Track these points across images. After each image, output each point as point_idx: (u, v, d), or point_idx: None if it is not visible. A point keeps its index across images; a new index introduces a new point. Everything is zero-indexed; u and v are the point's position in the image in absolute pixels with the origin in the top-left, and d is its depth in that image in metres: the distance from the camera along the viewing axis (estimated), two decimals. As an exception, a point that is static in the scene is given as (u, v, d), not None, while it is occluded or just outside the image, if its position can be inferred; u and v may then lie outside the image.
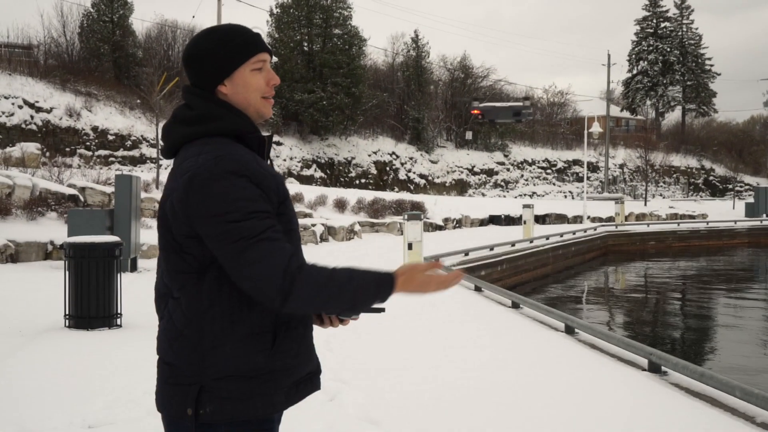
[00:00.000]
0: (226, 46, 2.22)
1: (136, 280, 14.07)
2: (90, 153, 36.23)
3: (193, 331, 2.12)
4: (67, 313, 9.17)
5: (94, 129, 37.21)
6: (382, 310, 2.25)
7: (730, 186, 68.09)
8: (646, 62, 77.18)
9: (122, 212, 15.16)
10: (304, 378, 2.26)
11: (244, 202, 2.03)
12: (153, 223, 20.34)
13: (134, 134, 38.80)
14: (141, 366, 7.25)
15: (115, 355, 7.77)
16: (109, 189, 19.64)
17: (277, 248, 2.02)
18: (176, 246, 2.14)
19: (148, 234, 18.54)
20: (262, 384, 2.13)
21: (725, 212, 50.38)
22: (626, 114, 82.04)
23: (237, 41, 2.24)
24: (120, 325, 9.34)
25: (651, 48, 77.00)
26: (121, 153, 37.68)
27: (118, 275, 9.42)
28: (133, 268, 15.43)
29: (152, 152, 37.62)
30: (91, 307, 9.11)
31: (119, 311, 9.38)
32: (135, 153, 38.25)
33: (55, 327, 9.18)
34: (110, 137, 37.68)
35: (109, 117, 38.73)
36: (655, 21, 77.78)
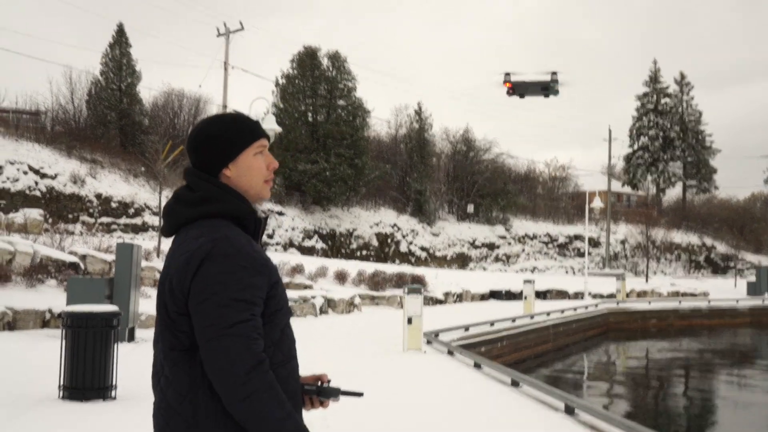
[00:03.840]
0: (232, 131, 2.38)
1: (134, 351, 13.97)
2: (93, 220, 36.34)
3: (186, 408, 2.18)
4: (61, 383, 9.07)
5: (98, 196, 37.41)
6: (360, 394, 2.46)
7: (732, 264, 67.98)
8: (646, 138, 77.87)
9: (122, 281, 15.14)
10: None
11: (231, 287, 2.11)
12: (153, 292, 20.29)
13: (137, 202, 38.98)
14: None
15: (109, 428, 7.66)
16: (110, 257, 19.65)
17: (240, 351, 2.08)
18: (170, 323, 2.21)
19: (147, 303, 18.48)
20: None
21: (727, 290, 50.20)
22: (627, 189, 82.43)
23: (242, 127, 2.40)
24: (114, 398, 9.23)
25: (651, 124, 77.79)
26: (123, 221, 37.78)
27: (115, 345, 9.35)
28: (131, 338, 15.33)
29: (155, 220, 37.74)
30: (86, 377, 9.02)
31: (114, 383, 9.28)
32: (137, 221, 38.36)
33: (50, 398, 9.07)
34: (113, 204, 37.84)
35: (113, 184, 38.99)
36: (655, 97, 78.71)
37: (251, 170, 2.38)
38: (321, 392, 2.48)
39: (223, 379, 2.08)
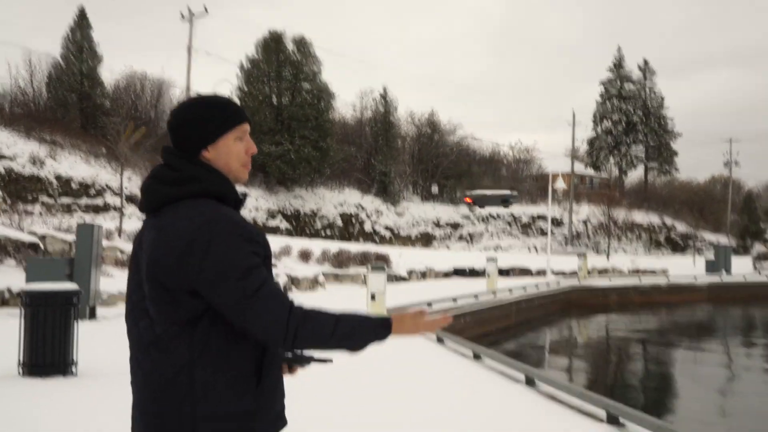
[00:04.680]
0: (214, 114, 2.39)
1: (95, 328, 13.88)
2: (53, 201, 35.90)
3: (183, 380, 2.21)
4: (21, 361, 9.01)
5: (58, 177, 36.93)
6: (330, 361, 2.57)
7: (691, 243, 69.02)
8: (610, 122, 78.61)
9: (83, 260, 15.01)
10: (278, 414, 2.39)
11: (241, 260, 2.18)
12: (115, 271, 20.15)
13: (98, 183, 38.55)
14: (95, 415, 7.15)
15: (69, 405, 7.63)
16: (71, 237, 19.44)
17: (276, 303, 2.20)
18: (170, 298, 2.22)
19: (108, 282, 18.35)
20: (248, 423, 2.25)
21: (686, 268, 50.96)
22: (590, 171, 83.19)
23: (226, 111, 2.42)
24: (75, 374, 9.18)
25: (615, 108, 78.56)
26: (84, 201, 37.37)
27: (76, 323, 9.29)
28: (92, 316, 15.23)
29: (116, 201, 37.38)
30: (47, 354, 8.96)
31: (75, 360, 9.23)
32: (99, 201, 37.96)
33: (9, 375, 9.00)
34: (74, 186, 37.39)
35: (73, 165, 38.50)
36: (619, 83, 79.49)
37: (230, 154, 2.40)
38: (296, 360, 2.57)
39: (273, 339, 2.20)
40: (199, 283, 2.18)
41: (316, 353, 2.66)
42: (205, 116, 2.38)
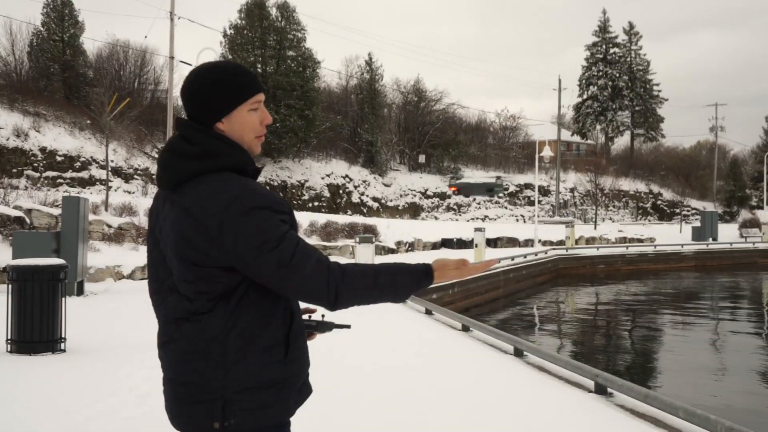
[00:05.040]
0: (228, 85, 2.35)
1: (83, 304, 13.85)
2: (38, 174, 35.62)
3: (216, 349, 2.24)
4: (9, 337, 8.97)
5: (42, 150, 36.62)
6: (348, 326, 2.72)
7: (678, 210, 69.37)
8: (595, 87, 78.57)
9: (69, 235, 14.92)
10: (304, 382, 2.44)
11: (272, 231, 2.19)
12: (101, 246, 20.06)
13: (84, 155, 38.26)
14: (84, 391, 7.13)
15: (58, 381, 7.61)
16: (57, 211, 19.32)
17: (314, 264, 2.22)
18: (204, 275, 2.24)
19: (95, 257, 18.29)
20: (279, 392, 2.29)
21: (673, 236, 51.30)
22: (577, 138, 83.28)
23: (239, 81, 2.37)
24: (64, 350, 9.16)
25: (600, 73, 78.45)
26: (69, 174, 37.10)
27: (63, 299, 9.25)
28: (80, 291, 15.18)
29: (102, 174, 37.14)
30: (34, 331, 8.93)
31: (64, 336, 9.20)
32: (84, 174, 37.69)
33: (-3, 352, 8.98)
34: (59, 158, 37.10)
35: (57, 138, 38.15)
36: (604, 47, 79.30)
37: (244, 125, 2.37)
38: (318, 327, 2.65)
39: (318, 300, 2.24)
40: (235, 260, 2.19)
41: (337, 319, 2.79)
42: (218, 88, 2.34)
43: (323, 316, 2.70)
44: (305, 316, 2.65)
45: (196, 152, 2.29)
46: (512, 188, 64.74)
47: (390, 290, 2.32)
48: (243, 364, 2.24)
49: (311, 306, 2.64)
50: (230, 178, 2.26)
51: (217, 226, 2.18)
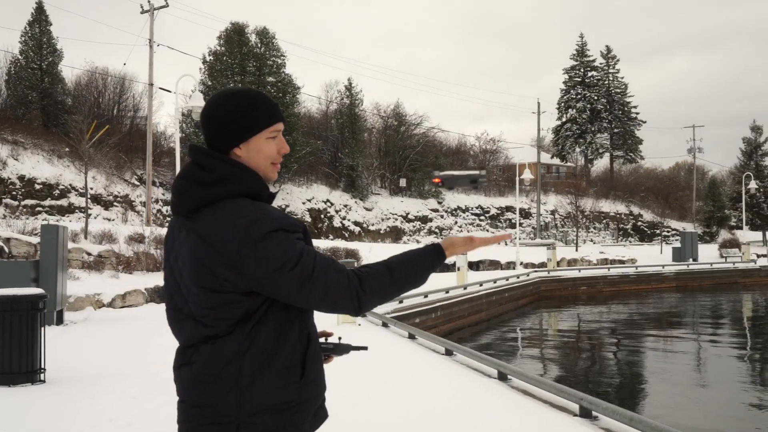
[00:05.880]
0: (248, 112, 2.36)
1: (63, 334, 13.71)
2: (16, 203, 35.35)
3: (231, 371, 2.23)
4: (-13, 369, 8.84)
5: (21, 178, 36.38)
6: (365, 348, 2.79)
7: (658, 231, 69.79)
8: (574, 110, 79.14)
9: (48, 263, 14.78)
10: (321, 406, 2.45)
11: (290, 250, 2.21)
12: (81, 274, 19.88)
13: (62, 183, 38.03)
14: (64, 422, 7.02)
15: (38, 413, 7.50)
16: (36, 240, 19.16)
17: (333, 276, 2.24)
18: (224, 300, 2.24)
19: (75, 285, 18.12)
20: (293, 415, 2.29)
21: (653, 257, 51.57)
22: (557, 161, 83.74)
23: (261, 109, 2.39)
24: (44, 381, 9.04)
25: (579, 96, 79.07)
26: (48, 202, 36.84)
27: (43, 329, 9.14)
28: (59, 321, 15.02)
29: (81, 201, 36.90)
30: (13, 362, 8.81)
31: (43, 366, 9.08)
32: (63, 202, 37.45)
33: (-25, 384, 8.84)
34: (37, 186, 36.86)
35: (36, 166, 37.92)
36: (582, 70, 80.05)
37: (261, 153, 2.38)
38: (336, 350, 2.67)
39: (344, 309, 2.28)
40: (258, 284, 2.21)
41: (354, 342, 2.80)
42: (239, 114, 2.35)
43: (340, 338, 2.73)
44: (321, 339, 2.66)
45: (211, 179, 2.30)
46: (493, 211, 64.93)
47: (410, 281, 2.38)
48: (258, 386, 2.23)
49: (327, 330, 2.70)
50: (245, 204, 2.27)
51: (236, 252, 2.19)
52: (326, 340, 2.68)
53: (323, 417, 2.46)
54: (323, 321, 15.14)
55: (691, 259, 48.95)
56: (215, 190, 2.28)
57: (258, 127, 2.37)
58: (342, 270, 2.27)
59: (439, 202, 62.46)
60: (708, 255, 52.86)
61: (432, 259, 2.43)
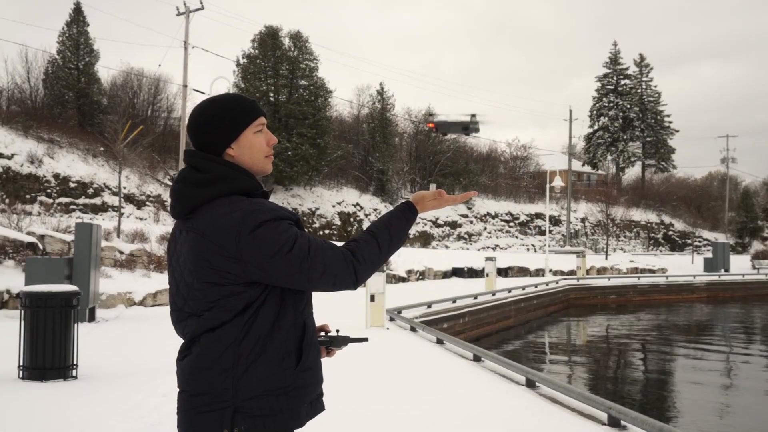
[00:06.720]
0: (230, 112, 2.49)
1: (94, 330, 13.87)
2: (51, 200, 35.81)
3: (228, 357, 2.31)
4: (21, 364, 8.98)
5: (56, 176, 36.85)
6: (366, 339, 2.79)
7: (689, 241, 69.04)
8: (606, 118, 78.59)
9: (82, 261, 14.97)
10: (317, 397, 2.52)
11: (285, 234, 2.32)
12: (113, 272, 20.11)
13: (96, 182, 38.46)
14: (95, 418, 7.11)
15: (69, 409, 7.60)
16: (69, 237, 19.40)
17: (329, 253, 2.37)
18: (226, 293, 2.33)
19: (107, 283, 18.32)
20: (289, 400, 2.36)
21: (684, 267, 51.01)
22: (588, 169, 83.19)
23: (241, 107, 2.51)
24: (75, 377, 9.15)
25: (611, 104, 78.53)
26: (82, 201, 37.28)
27: (75, 325, 9.26)
28: (92, 318, 15.20)
29: (114, 200, 37.30)
30: (46, 357, 8.94)
31: (75, 362, 9.20)
32: (97, 201, 37.87)
33: (9, 378, 8.98)
34: (72, 185, 37.30)
35: (71, 164, 38.40)
36: (615, 78, 79.51)
37: (253, 148, 2.50)
38: (333, 342, 2.68)
39: (343, 283, 2.40)
40: (258, 272, 2.30)
41: (352, 334, 2.82)
42: (222, 116, 2.47)
43: (338, 331, 2.76)
44: (321, 333, 2.71)
45: (206, 179, 2.40)
46: (523, 218, 64.63)
47: (393, 242, 2.52)
48: (253, 371, 2.31)
49: (326, 325, 2.75)
50: (240, 200, 2.37)
51: (234, 243, 2.28)
52: (325, 333, 2.72)
53: (320, 408, 2.53)
54: (352, 325, 15.22)
55: (722, 270, 48.34)
56: (210, 189, 2.39)
57: (242, 124, 2.48)
58: (335, 247, 2.39)
59: (469, 208, 62.31)
60: (740, 266, 52.18)
61: (407, 215, 2.59)
